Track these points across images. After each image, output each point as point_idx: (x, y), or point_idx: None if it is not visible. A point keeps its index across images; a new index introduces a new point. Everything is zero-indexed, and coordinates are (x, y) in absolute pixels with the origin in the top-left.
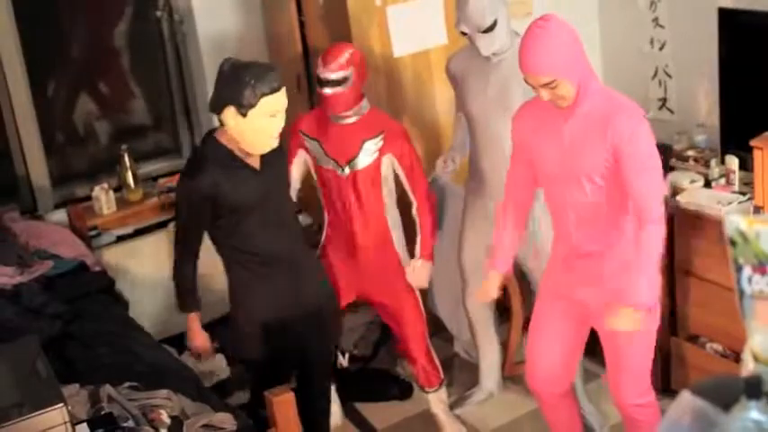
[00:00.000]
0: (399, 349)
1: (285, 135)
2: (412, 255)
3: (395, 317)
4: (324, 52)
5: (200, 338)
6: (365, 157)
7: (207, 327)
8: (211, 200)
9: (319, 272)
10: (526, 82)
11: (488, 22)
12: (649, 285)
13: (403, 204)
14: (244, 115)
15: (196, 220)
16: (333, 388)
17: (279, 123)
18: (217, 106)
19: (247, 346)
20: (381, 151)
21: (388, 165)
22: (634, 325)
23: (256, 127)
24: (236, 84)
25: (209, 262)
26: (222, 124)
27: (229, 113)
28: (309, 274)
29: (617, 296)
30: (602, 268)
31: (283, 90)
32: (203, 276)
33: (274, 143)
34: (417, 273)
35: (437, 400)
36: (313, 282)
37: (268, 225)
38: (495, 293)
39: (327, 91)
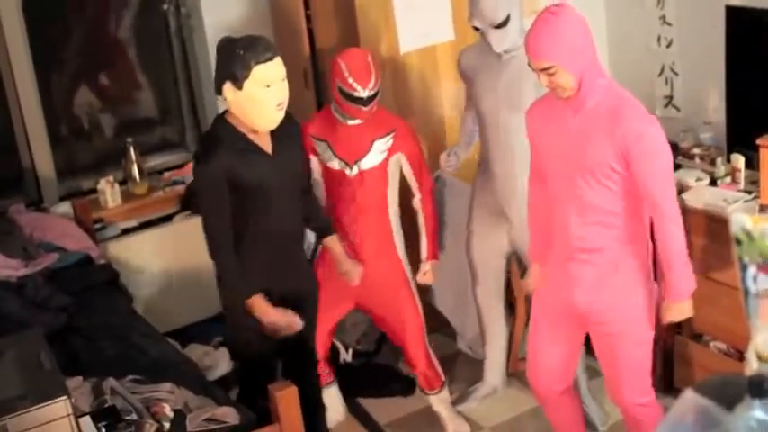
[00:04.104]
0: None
1: (297, 121)
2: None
3: (394, 324)
4: (347, 69)
5: (277, 315)
6: (374, 157)
7: (207, 322)
8: (229, 179)
9: (307, 260)
10: (529, 65)
11: (501, 18)
12: (685, 276)
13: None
14: (239, 88)
15: (223, 203)
16: (336, 383)
17: (277, 94)
18: (216, 85)
19: (238, 334)
20: (391, 150)
21: (396, 164)
22: (687, 313)
23: (253, 99)
24: (229, 57)
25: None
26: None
27: (228, 89)
28: (301, 263)
29: (613, 301)
30: (597, 273)
31: (278, 60)
32: (204, 268)
33: (279, 115)
34: (427, 274)
35: (439, 401)
36: (302, 270)
37: (272, 211)
38: (541, 284)
39: (365, 108)
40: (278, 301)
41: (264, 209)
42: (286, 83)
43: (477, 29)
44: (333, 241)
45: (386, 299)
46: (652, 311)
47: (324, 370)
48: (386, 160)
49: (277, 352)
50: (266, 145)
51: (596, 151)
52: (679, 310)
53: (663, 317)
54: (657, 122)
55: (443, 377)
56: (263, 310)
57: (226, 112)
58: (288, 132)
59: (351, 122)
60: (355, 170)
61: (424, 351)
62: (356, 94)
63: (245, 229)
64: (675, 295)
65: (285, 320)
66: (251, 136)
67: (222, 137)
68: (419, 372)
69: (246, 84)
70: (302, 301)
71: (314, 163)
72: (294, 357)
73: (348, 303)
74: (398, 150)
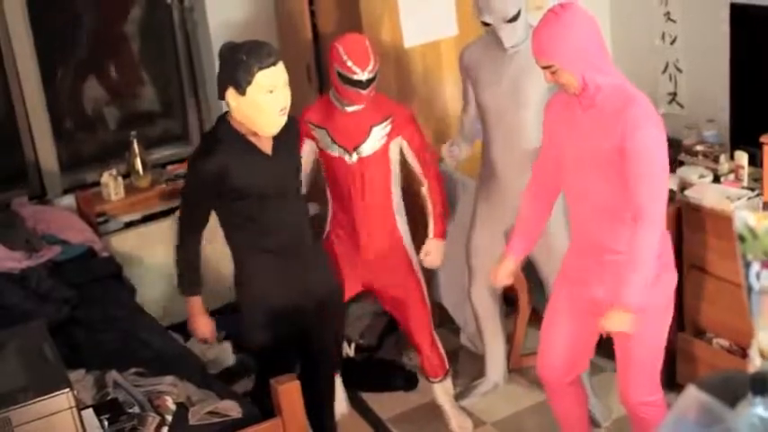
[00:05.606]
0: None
1: (297, 122)
2: (415, 245)
3: (400, 307)
4: (345, 53)
5: (201, 323)
6: (373, 143)
7: (213, 314)
8: (221, 182)
9: (326, 260)
10: (537, 63)
11: (513, 12)
12: (641, 287)
13: (406, 195)
14: (243, 93)
15: (203, 201)
16: (338, 377)
17: (280, 99)
18: (220, 91)
19: (254, 333)
20: (390, 136)
21: (396, 149)
22: (626, 326)
23: (257, 104)
24: (232, 63)
25: (217, 247)
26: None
27: (230, 95)
28: (316, 262)
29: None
30: (615, 267)
31: (280, 65)
32: (210, 262)
33: (281, 120)
34: (432, 253)
35: (442, 391)
36: (320, 270)
37: (278, 211)
38: (506, 280)
39: (364, 91)
40: (296, 306)
41: (265, 210)
42: (288, 88)
43: (486, 24)
44: None
45: (390, 283)
46: (669, 311)
47: None
48: (386, 146)
49: (296, 351)
50: (266, 146)
51: (600, 147)
52: (623, 320)
53: (601, 323)
54: (661, 125)
55: (448, 365)
56: (191, 313)
57: (228, 112)
58: (286, 131)
59: (349, 109)
60: (355, 157)
61: (429, 334)
62: (355, 77)
63: (248, 234)
64: (625, 303)
65: (201, 332)
66: (251, 137)
67: (222, 138)
68: (424, 355)
69: (250, 89)
70: (321, 301)
71: (310, 149)
72: (312, 357)
73: (356, 286)
74: (398, 134)
